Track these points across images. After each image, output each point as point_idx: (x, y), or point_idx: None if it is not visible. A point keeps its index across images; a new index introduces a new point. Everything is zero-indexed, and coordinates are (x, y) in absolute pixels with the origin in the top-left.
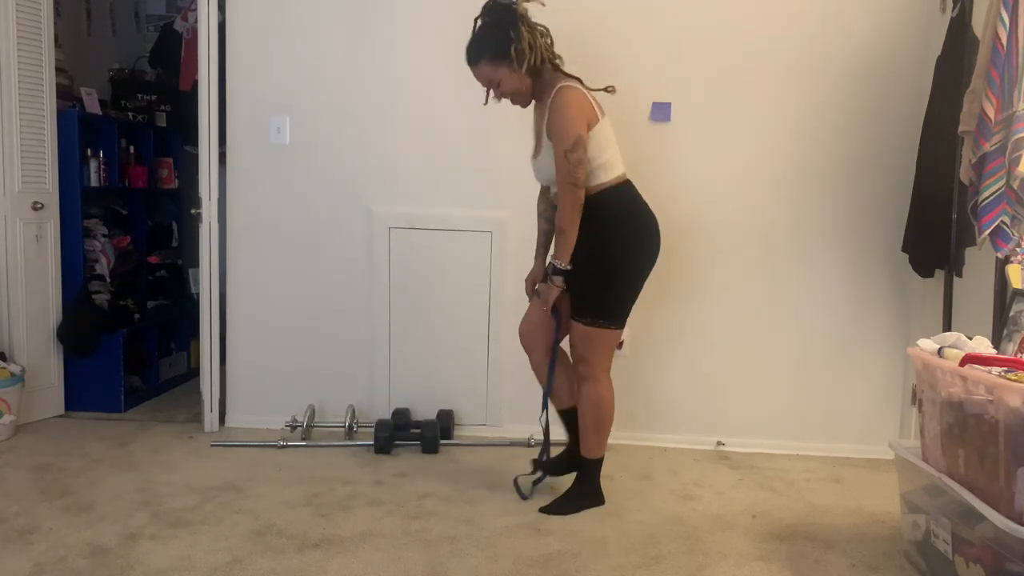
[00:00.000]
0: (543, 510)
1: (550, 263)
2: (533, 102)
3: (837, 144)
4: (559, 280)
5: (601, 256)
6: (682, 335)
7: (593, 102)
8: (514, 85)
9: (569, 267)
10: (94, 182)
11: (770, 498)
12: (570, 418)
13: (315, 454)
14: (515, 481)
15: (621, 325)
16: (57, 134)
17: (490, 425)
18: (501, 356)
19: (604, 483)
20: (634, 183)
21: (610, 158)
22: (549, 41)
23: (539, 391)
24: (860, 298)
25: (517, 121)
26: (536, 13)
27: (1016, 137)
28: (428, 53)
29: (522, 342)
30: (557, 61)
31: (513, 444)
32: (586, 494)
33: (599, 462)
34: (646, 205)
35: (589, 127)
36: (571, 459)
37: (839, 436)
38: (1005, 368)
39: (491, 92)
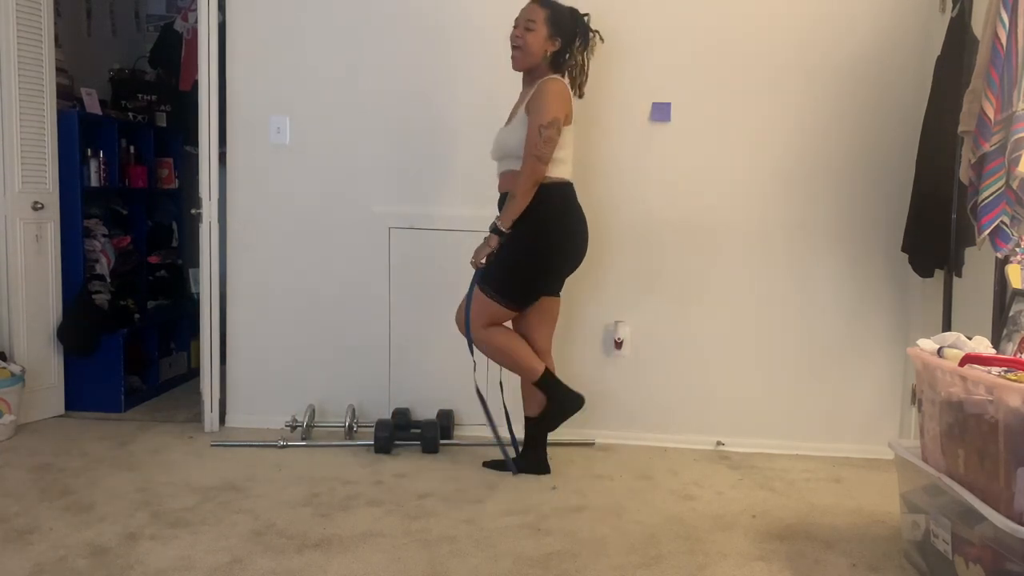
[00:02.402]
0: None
1: (493, 222)
2: (522, 85)
3: (837, 144)
4: (494, 240)
5: (527, 243)
6: (682, 335)
7: (571, 106)
8: (537, 44)
9: (507, 231)
10: (94, 182)
11: (770, 498)
12: (530, 425)
13: (315, 454)
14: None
15: (517, 308)
16: (57, 134)
17: None
18: None
19: (604, 483)
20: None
21: (566, 157)
22: (582, 64)
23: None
24: (860, 298)
25: None
26: None
27: (1016, 137)
28: (428, 53)
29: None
30: (566, 74)
31: (513, 444)
32: (560, 405)
33: (549, 377)
34: (581, 211)
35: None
36: (534, 452)
37: (839, 436)
38: (1005, 368)
39: (515, 28)
